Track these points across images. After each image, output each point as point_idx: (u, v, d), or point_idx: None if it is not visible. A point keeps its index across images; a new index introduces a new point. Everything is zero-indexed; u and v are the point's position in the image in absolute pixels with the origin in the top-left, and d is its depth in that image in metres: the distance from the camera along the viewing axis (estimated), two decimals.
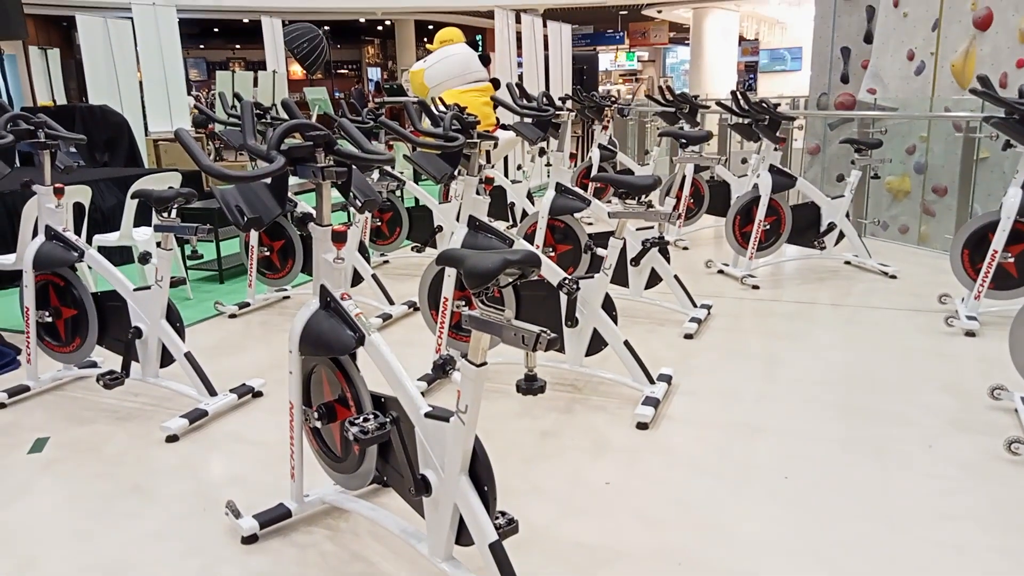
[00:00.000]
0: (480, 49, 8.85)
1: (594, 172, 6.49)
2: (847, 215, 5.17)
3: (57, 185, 3.19)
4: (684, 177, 5.84)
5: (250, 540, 2.20)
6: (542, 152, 7.14)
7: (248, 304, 4.62)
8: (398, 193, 5.55)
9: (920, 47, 6.09)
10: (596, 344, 3.24)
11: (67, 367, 3.48)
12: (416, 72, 7.27)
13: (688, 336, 3.94)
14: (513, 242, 3.11)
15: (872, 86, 6.62)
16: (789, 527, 2.26)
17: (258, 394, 3.30)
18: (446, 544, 1.90)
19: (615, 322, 3.20)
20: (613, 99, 7.19)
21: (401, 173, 5.30)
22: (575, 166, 7.06)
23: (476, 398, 1.76)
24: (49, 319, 3.30)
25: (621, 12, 19.59)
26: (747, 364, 3.61)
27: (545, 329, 1.62)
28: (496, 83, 7.39)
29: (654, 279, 4.26)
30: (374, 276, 4.50)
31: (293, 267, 4.54)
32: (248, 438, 2.93)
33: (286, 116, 3.21)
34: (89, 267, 3.57)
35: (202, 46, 22.01)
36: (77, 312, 3.28)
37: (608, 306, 3.20)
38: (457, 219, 3.22)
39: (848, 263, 5.32)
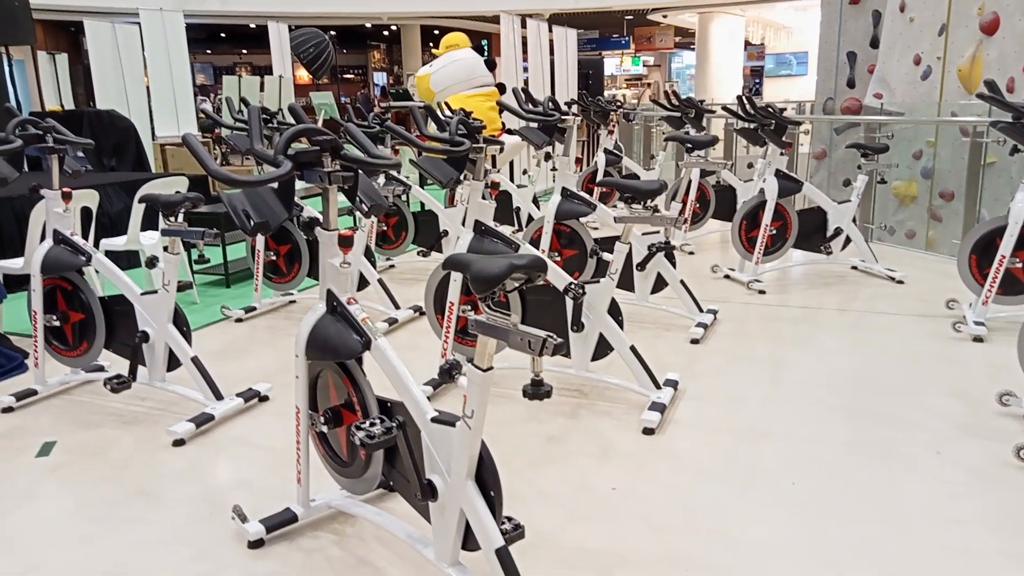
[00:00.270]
0: (486, 54, 8.84)
1: (600, 176, 6.49)
2: (854, 220, 5.15)
3: (65, 189, 3.20)
4: (690, 181, 5.83)
5: (256, 545, 2.20)
6: (548, 157, 7.14)
7: (254, 308, 4.63)
8: (404, 197, 5.56)
9: (927, 52, 6.08)
10: (602, 349, 3.23)
11: (74, 371, 3.49)
12: (422, 77, 7.29)
13: (694, 341, 3.94)
14: (519, 247, 3.11)
15: (878, 91, 6.60)
16: (796, 532, 2.25)
17: (264, 398, 3.30)
18: (452, 549, 1.90)
19: (621, 327, 3.19)
20: (619, 104, 7.19)
21: (407, 177, 5.30)
22: (580, 171, 7.06)
23: (482, 403, 1.76)
24: (57, 323, 3.31)
25: (627, 17, 19.61)
26: (753, 369, 3.60)
27: (551, 334, 1.62)
28: (502, 88, 7.40)
29: (660, 284, 4.26)
30: (380, 280, 4.51)
31: (299, 271, 4.55)
32: (254, 442, 2.93)
33: (292, 121, 3.22)
34: (96, 271, 3.58)
35: (209, 51, 22.10)
36: (84, 316, 3.29)
37: (614, 311, 3.20)
38: (463, 223, 3.22)
39: (855, 268, 5.30)
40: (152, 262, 3.24)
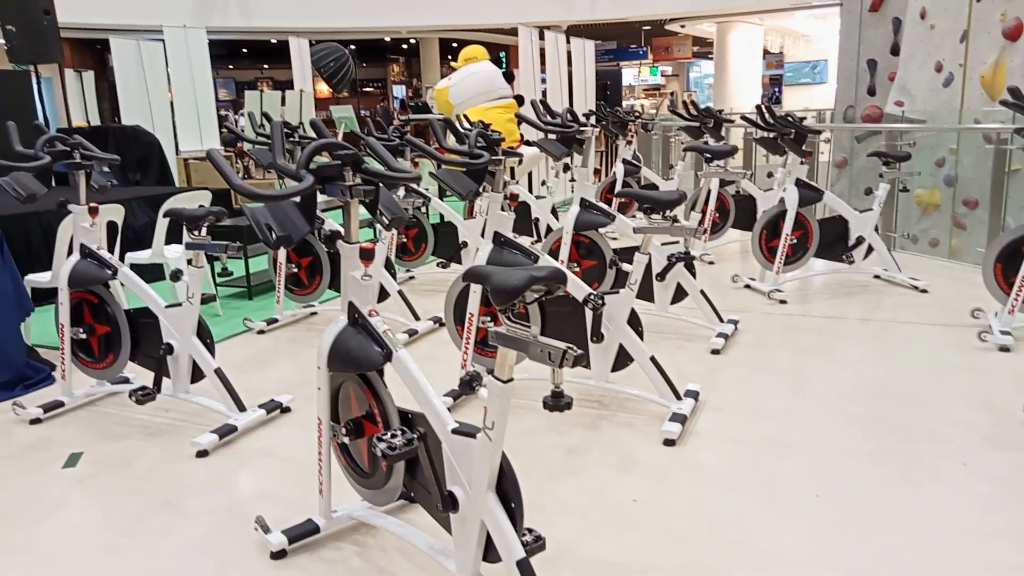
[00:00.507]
0: (504, 66, 8.90)
1: (618, 187, 6.49)
2: (876, 228, 5.11)
3: (92, 204, 3.26)
4: (709, 191, 5.82)
5: (279, 556, 2.22)
6: (566, 168, 7.15)
7: (276, 320, 4.68)
8: (423, 209, 5.59)
9: (948, 59, 6.03)
10: (622, 360, 3.23)
11: (100, 383, 3.54)
12: (441, 90, 7.35)
13: (715, 351, 3.92)
14: (538, 258, 3.11)
15: (900, 98, 6.56)
16: (819, 543, 2.22)
17: (286, 410, 3.33)
18: (473, 561, 1.90)
19: (641, 337, 3.19)
20: (637, 114, 7.19)
21: (426, 190, 5.34)
22: (599, 181, 7.07)
23: (503, 414, 1.76)
24: (83, 336, 3.36)
25: (644, 27, 19.62)
26: (775, 379, 3.57)
27: (571, 346, 1.62)
28: (520, 100, 7.44)
29: (680, 294, 4.24)
30: (400, 292, 4.53)
31: (321, 283, 4.59)
32: (277, 453, 2.96)
33: (314, 135, 3.25)
34: (122, 284, 3.63)
35: (231, 66, 22.40)
36: (110, 329, 3.34)
37: (634, 321, 3.19)
38: (482, 235, 3.24)
39: (877, 277, 5.25)
40: (177, 275, 3.29)
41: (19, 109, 6.44)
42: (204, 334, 3.25)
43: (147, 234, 5.22)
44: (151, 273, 5.07)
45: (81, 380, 3.49)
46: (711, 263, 6.03)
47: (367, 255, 2.07)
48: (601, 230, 4.23)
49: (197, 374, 3.26)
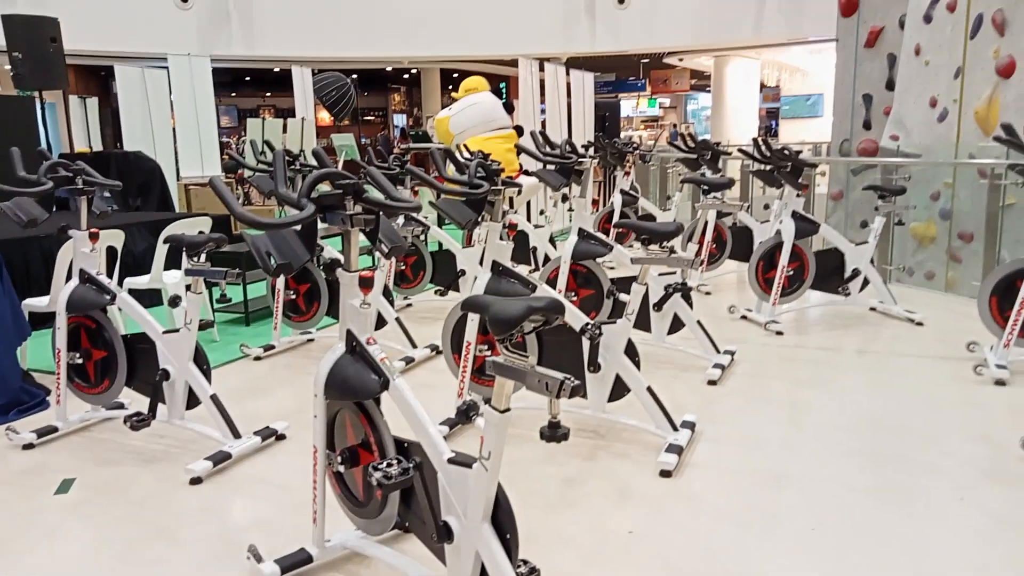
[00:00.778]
0: (504, 97, 9.03)
1: (616, 217, 6.53)
2: (872, 261, 5.14)
3: (92, 230, 3.27)
4: (706, 223, 5.85)
5: None
6: (565, 198, 7.20)
7: (273, 347, 4.67)
8: (422, 237, 5.62)
9: (943, 94, 6.11)
10: (619, 390, 3.23)
11: (95, 408, 3.53)
12: (441, 119, 7.41)
13: (712, 382, 3.92)
14: (536, 287, 3.13)
15: (895, 132, 6.63)
16: None
17: (281, 437, 3.31)
18: None
19: (638, 368, 3.19)
20: (635, 145, 7.26)
21: (425, 218, 5.37)
22: (597, 211, 7.11)
23: (499, 444, 1.76)
24: (79, 360, 3.36)
25: (643, 60, 19.87)
26: (772, 411, 3.57)
27: (569, 376, 1.63)
28: (520, 130, 7.50)
29: (677, 324, 4.25)
30: (398, 319, 4.54)
31: (318, 310, 4.59)
32: (271, 481, 2.94)
33: (315, 163, 3.28)
34: (120, 309, 3.64)
35: (233, 94, 22.61)
36: (107, 354, 3.33)
37: (631, 352, 3.20)
38: (481, 263, 3.26)
39: (873, 309, 5.27)
40: (175, 301, 3.29)
41: (22, 134, 6.50)
42: (201, 360, 3.24)
43: (146, 259, 5.24)
44: (149, 298, 5.08)
45: (76, 405, 3.48)
46: (708, 294, 6.04)
47: (366, 283, 2.08)
48: (599, 260, 4.25)
49: (193, 400, 3.25)
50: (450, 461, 1.90)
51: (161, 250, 4.59)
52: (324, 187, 2.04)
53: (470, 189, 2.92)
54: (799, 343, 4.67)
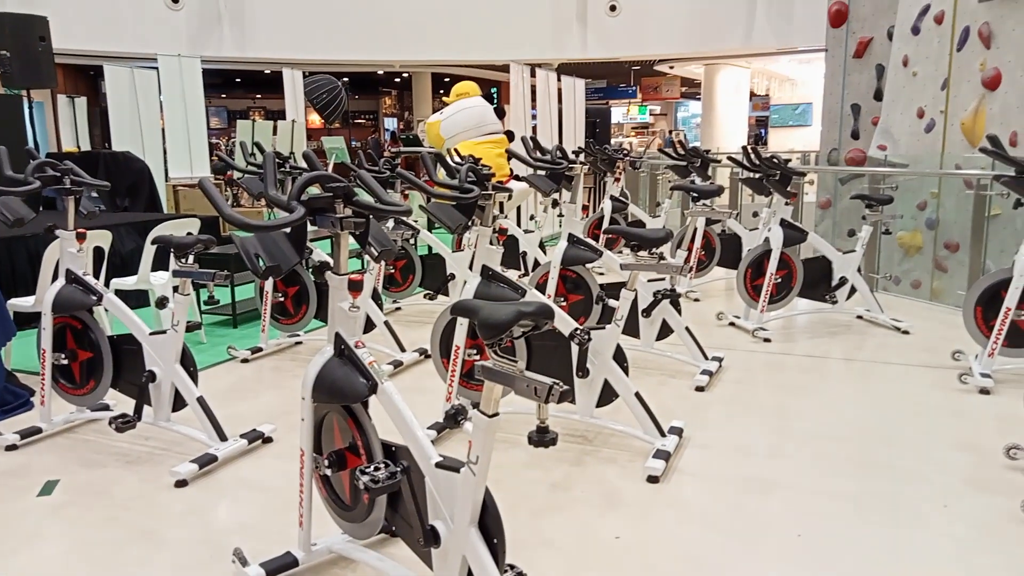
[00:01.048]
0: (495, 102, 9.03)
1: (606, 223, 6.55)
2: (859, 269, 5.18)
3: (80, 230, 3.25)
4: (695, 229, 5.88)
5: None
6: (555, 203, 7.21)
7: (261, 349, 4.65)
8: (412, 241, 5.61)
9: (930, 105, 6.17)
10: (607, 395, 3.23)
11: (80, 410, 3.50)
12: (432, 124, 7.42)
13: (699, 388, 3.93)
14: (525, 292, 3.13)
15: (883, 142, 6.68)
16: None
17: (268, 440, 3.30)
18: None
19: (627, 373, 3.20)
20: (625, 152, 7.29)
21: (415, 222, 5.37)
22: (587, 217, 7.13)
23: (487, 449, 1.76)
24: (65, 361, 3.33)
25: (634, 67, 19.94)
26: (759, 417, 3.58)
27: (558, 381, 1.63)
28: (511, 135, 7.52)
29: (665, 331, 4.27)
30: (386, 323, 4.53)
31: (307, 313, 4.58)
32: (257, 484, 2.92)
33: (305, 166, 3.28)
34: (106, 310, 3.62)
35: (224, 95, 22.52)
36: (93, 355, 3.31)
37: (619, 357, 3.20)
38: (470, 268, 3.26)
39: (860, 317, 5.31)
40: (163, 303, 3.27)
41: (10, 133, 6.44)
42: (187, 362, 3.23)
43: (134, 260, 5.21)
44: (136, 299, 5.05)
45: (60, 406, 3.45)
46: (696, 300, 6.07)
47: (356, 287, 2.08)
48: (588, 265, 4.26)
49: (179, 402, 3.23)
50: (438, 465, 1.90)
51: (149, 251, 4.57)
52: (314, 190, 2.04)
53: (460, 193, 2.92)
54: (786, 350, 4.69)
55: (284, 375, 4.31)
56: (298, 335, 4.85)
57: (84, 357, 3.33)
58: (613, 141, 15.62)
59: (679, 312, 4.21)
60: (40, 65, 7.03)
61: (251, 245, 1.98)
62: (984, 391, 3.83)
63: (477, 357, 3.19)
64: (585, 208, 10.01)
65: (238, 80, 21.30)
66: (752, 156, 5.17)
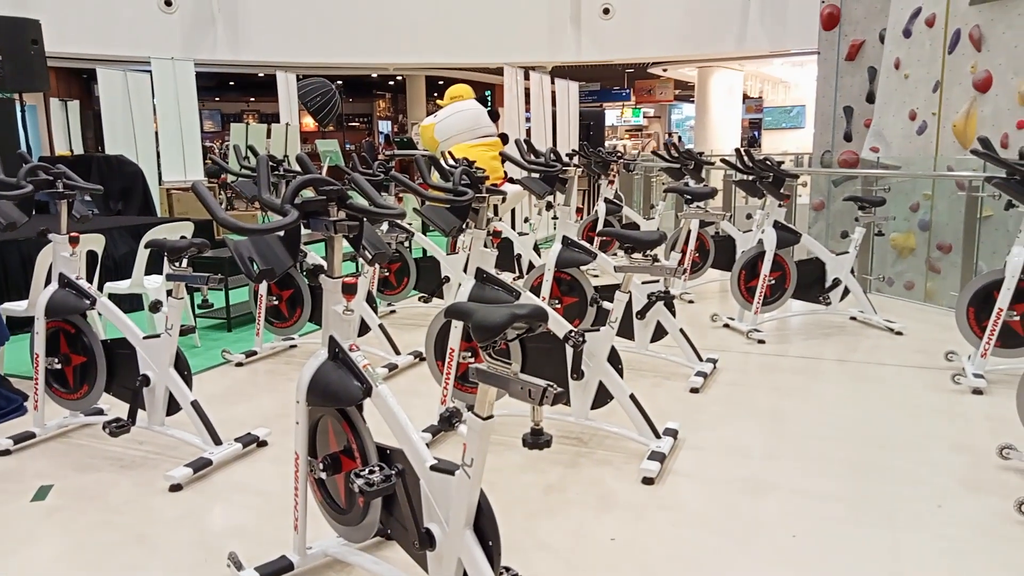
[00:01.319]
0: (489, 105, 9.01)
1: (600, 226, 6.56)
2: (852, 271, 5.19)
3: (73, 234, 3.24)
4: (689, 232, 5.89)
5: None
6: (549, 206, 7.22)
7: (255, 352, 4.64)
8: (406, 244, 5.61)
9: (922, 107, 6.20)
10: (602, 397, 3.24)
11: (73, 414, 3.49)
12: (427, 126, 7.43)
13: (694, 390, 3.94)
14: (520, 294, 3.13)
15: (875, 145, 6.71)
16: None
17: (263, 443, 3.29)
18: None
19: (621, 375, 3.20)
20: (619, 154, 7.30)
21: (409, 224, 5.37)
22: (581, 220, 7.14)
23: (482, 451, 1.76)
24: (58, 366, 3.32)
25: (628, 70, 19.98)
26: (753, 419, 3.59)
27: (552, 383, 1.63)
28: (505, 138, 7.53)
29: (660, 332, 4.28)
30: (381, 326, 4.53)
31: (301, 316, 4.57)
32: (252, 488, 2.92)
33: (299, 169, 3.28)
34: (100, 314, 3.61)
35: (217, 98, 22.48)
36: (86, 359, 3.30)
37: (614, 359, 3.21)
38: (465, 270, 3.26)
39: (854, 319, 5.33)
40: (156, 307, 3.27)
41: (2, 137, 6.43)
42: (181, 366, 3.22)
43: (127, 264, 5.20)
44: (130, 303, 5.04)
45: (54, 411, 3.44)
46: (691, 302, 6.08)
47: (350, 290, 2.08)
48: (582, 268, 4.27)
49: (173, 406, 3.22)
50: (432, 468, 1.90)
51: (142, 255, 4.56)
52: (308, 193, 2.04)
53: (454, 196, 2.92)
54: (780, 352, 4.71)
55: (279, 379, 4.30)
56: (292, 338, 4.84)
57: (77, 361, 3.32)
58: (607, 144, 15.64)
59: (673, 314, 4.22)
60: (33, 68, 7.01)
61: (245, 249, 1.98)
62: (977, 391, 3.85)
63: (472, 360, 3.19)
64: (579, 211, 10.02)
65: (232, 83, 21.27)
66: (745, 158, 5.19)
